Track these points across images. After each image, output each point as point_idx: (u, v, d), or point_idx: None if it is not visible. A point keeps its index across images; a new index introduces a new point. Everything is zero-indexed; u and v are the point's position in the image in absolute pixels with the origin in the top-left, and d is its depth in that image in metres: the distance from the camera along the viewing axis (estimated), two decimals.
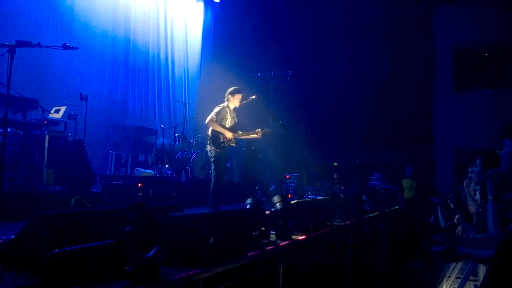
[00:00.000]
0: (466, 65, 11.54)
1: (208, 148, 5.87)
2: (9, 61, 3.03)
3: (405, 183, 9.78)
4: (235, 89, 6.01)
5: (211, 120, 5.77)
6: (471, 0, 11.12)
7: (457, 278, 3.54)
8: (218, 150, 5.76)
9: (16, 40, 3.09)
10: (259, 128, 5.97)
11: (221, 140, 5.79)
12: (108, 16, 9.12)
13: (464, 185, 4.41)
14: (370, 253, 6.37)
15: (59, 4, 8.08)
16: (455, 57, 11.58)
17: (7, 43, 3.04)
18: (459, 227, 4.49)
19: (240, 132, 6.05)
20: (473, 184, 3.86)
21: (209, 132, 5.84)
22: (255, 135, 6.01)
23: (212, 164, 5.89)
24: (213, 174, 5.85)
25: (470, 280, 3.24)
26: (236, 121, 6.06)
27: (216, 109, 5.85)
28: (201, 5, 11.77)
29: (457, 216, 4.36)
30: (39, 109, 5.94)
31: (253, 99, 6.15)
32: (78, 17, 8.41)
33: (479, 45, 11.33)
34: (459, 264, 3.74)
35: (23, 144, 5.70)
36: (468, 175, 4.01)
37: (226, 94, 5.99)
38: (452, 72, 11.64)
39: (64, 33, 8.02)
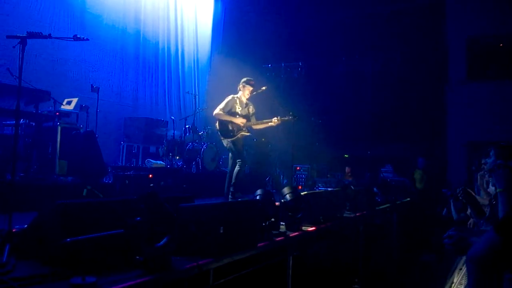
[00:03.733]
0: (479, 56, 11.31)
1: (223, 141, 5.93)
2: (21, 52, 3.04)
3: (417, 174, 9.70)
4: (247, 80, 6.03)
5: (218, 111, 5.81)
6: None
7: None
8: (230, 139, 5.79)
9: (27, 32, 3.09)
10: (275, 116, 5.97)
11: (231, 129, 5.80)
12: (119, 8, 9.13)
13: (478, 177, 4.36)
14: (381, 245, 6.35)
15: None
16: (468, 48, 11.35)
17: (18, 35, 3.05)
18: (471, 220, 4.44)
19: (255, 121, 6.05)
20: (486, 176, 3.81)
21: (217, 124, 5.87)
22: (271, 123, 5.99)
23: (231, 154, 5.97)
24: (229, 165, 5.93)
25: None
26: (251, 110, 6.06)
27: (224, 101, 5.89)
28: None
29: (469, 210, 4.31)
30: (51, 100, 6.01)
31: (263, 90, 6.15)
32: (89, 10, 8.44)
33: (493, 35, 11.10)
34: None
35: (36, 136, 5.77)
36: (482, 167, 3.95)
37: (239, 83, 6.03)
38: (465, 63, 11.42)
39: (76, 25, 8.05)
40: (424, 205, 8.54)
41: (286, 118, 5.96)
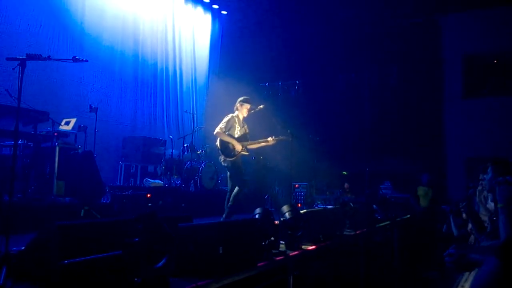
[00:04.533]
0: (475, 72, 11.44)
1: (221, 159, 5.88)
2: (20, 74, 3.06)
3: (421, 190, 9.65)
4: (244, 98, 6.05)
5: (219, 131, 5.79)
6: (480, 8, 11.07)
7: None
8: (230, 159, 5.77)
9: (26, 54, 3.13)
10: (270, 136, 5.98)
11: (231, 148, 5.80)
12: (118, 30, 9.25)
13: (477, 193, 4.35)
14: (382, 263, 6.28)
15: (70, 20, 8.22)
16: (464, 64, 11.49)
17: (18, 57, 3.08)
18: (472, 236, 4.41)
19: (250, 141, 6.06)
20: (485, 191, 3.81)
21: (218, 143, 5.85)
22: (267, 143, 6.01)
23: (229, 174, 5.91)
24: (228, 184, 5.86)
25: None
26: (247, 130, 6.08)
27: (224, 120, 5.88)
28: (208, 17, 11.88)
29: (470, 226, 4.29)
30: (50, 121, 6.01)
31: (260, 108, 6.17)
32: (88, 32, 8.54)
33: (489, 52, 11.25)
34: (473, 274, 3.67)
35: (34, 156, 5.76)
36: (480, 183, 3.96)
37: (236, 103, 6.04)
38: (461, 80, 11.54)
39: (75, 47, 8.15)
40: (426, 221, 8.48)
41: (280, 138, 5.98)
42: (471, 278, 3.65)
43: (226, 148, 5.79)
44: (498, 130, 10.37)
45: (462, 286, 3.62)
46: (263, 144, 6.07)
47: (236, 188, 5.77)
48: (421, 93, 11.56)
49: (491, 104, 10.95)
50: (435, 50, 11.65)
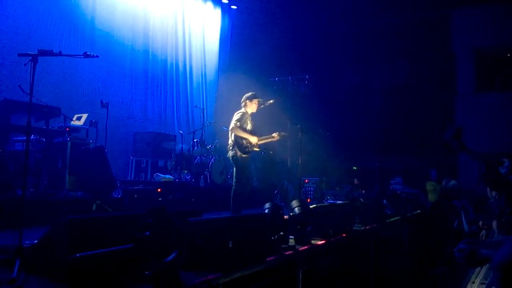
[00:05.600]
0: (487, 67, 11.27)
1: (231, 154, 5.82)
2: (32, 70, 3.10)
3: (429, 186, 9.58)
4: (251, 94, 6.00)
5: (235, 126, 5.75)
6: (490, 2, 10.89)
7: (482, 283, 3.43)
8: (243, 155, 5.76)
9: (38, 50, 3.16)
10: (276, 131, 5.97)
11: (245, 144, 5.78)
12: (128, 25, 9.29)
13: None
14: (392, 259, 6.26)
15: (80, 16, 8.27)
16: (476, 59, 11.33)
17: (29, 52, 3.12)
18: (483, 232, 4.38)
19: (258, 137, 6.05)
20: None
21: (232, 138, 5.82)
22: (272, 139, 6.01)
23: (235, 169, 5.86)
24: (234, 180, 5.83)
25: (494, 286, 3.13)
26: (254, 125, 6.07)
27: (237, 116, 5.83)
28: (218, 12, 11.87)
29: (481, 221, 4.26)
30: (61, 116, 6.08)
31: (270, 103, 6.14)
32: (99, 27, 8.59)
33: (500, 46, 11.07)
34: (484, 269, 3.64)
35: (46, 151, 5.83)
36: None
37: (243, 99, 5.98)
38: (473, 74, 11.38)
39: (85, 43, 8.21)
40: (435, 217, 8.42)
41: (283, 134, 5.96)
42: (482, 273, 3.62)
43: (241, 144, 5.77)
44: (510, 125, 10.22)
45: (473, 282, 3.59)
46: (269, 140, 6.06)
47: (233, 188, 5.75)
48: (432, 88, 11.43)
49: (503, 98, 10.79)
50: (446, 44, 11.50)
